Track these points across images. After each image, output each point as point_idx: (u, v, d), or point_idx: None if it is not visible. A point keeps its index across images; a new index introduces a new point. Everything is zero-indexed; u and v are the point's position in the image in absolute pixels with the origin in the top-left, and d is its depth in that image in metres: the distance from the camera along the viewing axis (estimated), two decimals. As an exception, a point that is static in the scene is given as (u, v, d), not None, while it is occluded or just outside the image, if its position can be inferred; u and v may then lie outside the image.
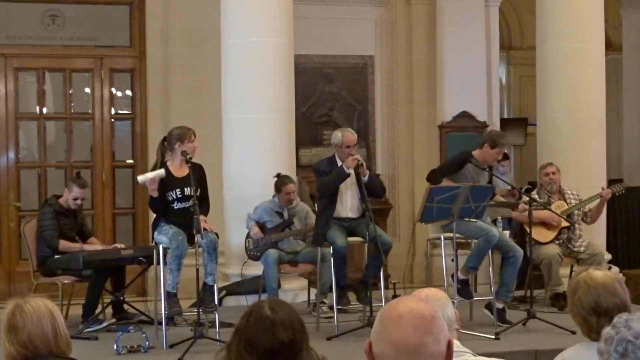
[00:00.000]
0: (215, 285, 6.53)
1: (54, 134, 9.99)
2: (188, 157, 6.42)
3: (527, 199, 7.10)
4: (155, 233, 6.57)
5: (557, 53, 8.58)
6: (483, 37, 10.64)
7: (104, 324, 6.96)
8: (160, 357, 6.06)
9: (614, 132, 12.30)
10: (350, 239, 6.85)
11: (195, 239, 6.25)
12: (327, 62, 10.43)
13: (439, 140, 10.49)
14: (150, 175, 6.42)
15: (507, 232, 8.18)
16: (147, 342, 6.13)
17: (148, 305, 7.25)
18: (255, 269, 7.42)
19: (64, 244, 7.11)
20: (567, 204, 7.93)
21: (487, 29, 10.74)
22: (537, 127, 9.37)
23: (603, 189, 7.98)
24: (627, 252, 11.47)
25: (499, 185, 7.65)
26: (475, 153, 7.10)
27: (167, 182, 6.48)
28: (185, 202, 6.50)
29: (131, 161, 9.91)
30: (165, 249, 6.47)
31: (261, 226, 7.35)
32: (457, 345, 2.78)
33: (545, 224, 7.85)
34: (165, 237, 6.44)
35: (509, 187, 7.50)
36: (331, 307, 6.90)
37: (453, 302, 3.96)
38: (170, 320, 6.61)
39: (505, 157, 9.82)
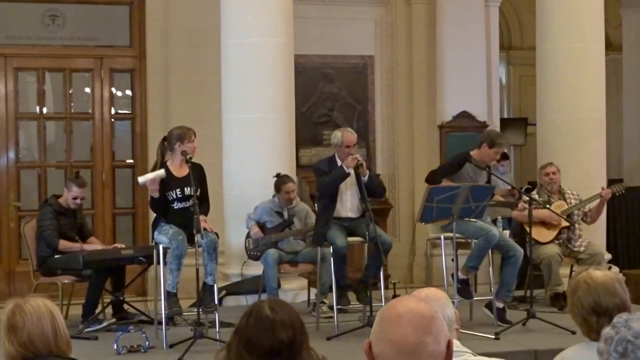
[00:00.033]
0: (215, 285, 6.52)
1: (54, 134, 9.99)
2: (188, 157, 6.42)
3: (527, 198, 7.10)
4: (155, 233, 6.56)
5: (557, 53, 8.58)
6: (483, 37, 10.64)
7: (104, 324, 6.96)
8: (160, 357, 6.05)
9: (614, 132, 12.30)
10: (350, 238, 6.85)
11: (195, 238, 6.25)
12: (327, 62, 10.42)
13: (439, 140, 10.48)
14: (150, 175, 6.42)
15: (507, 232, 8.18)
16: (147, 342, 6.13)
17: (148, 305, 7.26)
18: (255, 269, 7.42)
19: (63, 244, 7.11)
20: (567, 204, 7.93)
21: (487, 29, 10.74)
22: (537, 127, 9.36)
23: (603, 189, 7.97)
24: (627, 252, 11.46)
25: (498, 185, 7.64)
26: (473, 153, 7.09)
27: (167, 182, 6.47)
28: (185, 202, 6.49)
29: (131, 161, 9.91)
30: (165, 249, 6.46)
31: (261, 226, 7.35)
32: (457, 345, 2.78)
33: (545, 224, 7.84)
34: (165, 237, 6.44)
35: (509, 187, 7.50)
36: (331, 307, 6.90)
37: (453, 302, 3.96)
38: (170, 320, 6.60)
39: (505, 157, 9.83)
